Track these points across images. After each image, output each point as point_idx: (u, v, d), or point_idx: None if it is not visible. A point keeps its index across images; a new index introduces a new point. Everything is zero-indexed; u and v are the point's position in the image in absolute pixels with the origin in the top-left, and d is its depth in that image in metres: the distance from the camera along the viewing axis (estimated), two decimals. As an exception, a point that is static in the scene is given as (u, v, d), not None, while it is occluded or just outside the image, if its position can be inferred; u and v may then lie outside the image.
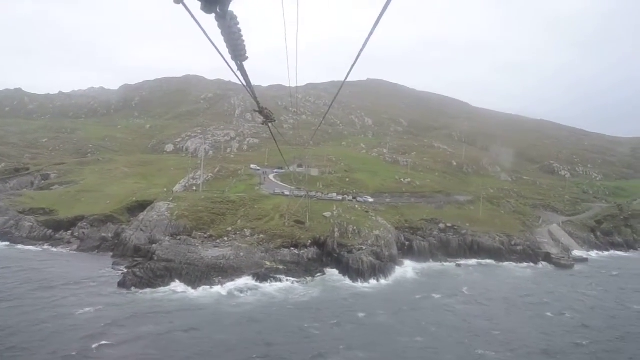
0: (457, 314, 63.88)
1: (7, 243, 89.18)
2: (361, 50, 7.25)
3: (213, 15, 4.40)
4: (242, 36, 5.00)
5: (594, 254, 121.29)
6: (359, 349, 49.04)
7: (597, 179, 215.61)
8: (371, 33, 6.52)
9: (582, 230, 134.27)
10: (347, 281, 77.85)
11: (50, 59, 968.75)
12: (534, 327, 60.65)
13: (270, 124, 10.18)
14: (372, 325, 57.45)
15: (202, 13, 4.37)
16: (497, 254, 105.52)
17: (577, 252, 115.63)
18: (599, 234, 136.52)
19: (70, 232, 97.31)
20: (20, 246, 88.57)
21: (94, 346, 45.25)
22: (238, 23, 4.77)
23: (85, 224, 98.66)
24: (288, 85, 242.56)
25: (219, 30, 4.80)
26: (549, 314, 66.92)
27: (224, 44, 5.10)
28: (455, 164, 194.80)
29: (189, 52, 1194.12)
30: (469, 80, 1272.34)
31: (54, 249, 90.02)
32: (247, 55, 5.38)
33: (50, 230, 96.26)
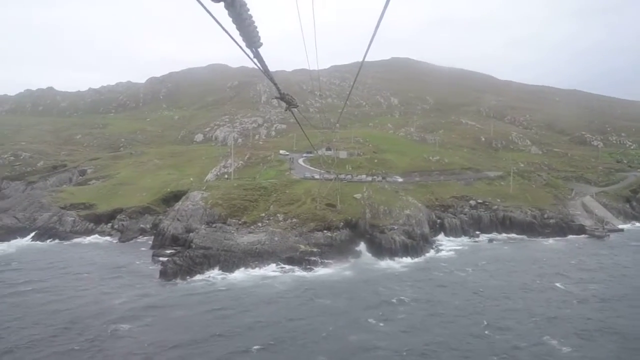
0: (491, 290, 64.56)
1: (53, 240, 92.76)
2: (376, 28, 7.19)
3: (222, 3, 4.42)
4: (254, 22, 4.96)
5: (630, 224, 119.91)
6: (393, 329, 50.36)
7: (631, 147, 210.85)
8: (384, 11, 6.48)
9: (616, 201, 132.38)
10: (380, 261, 79.31)
11: (77, 58, 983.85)
12: (568, 300, 61.14)
13: (294, 109, 9.93)
14: (405, 304, 58.67)
15: (212, 3, 4.38)
16: (530, 228, 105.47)
17: (613, 223, 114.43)
18: (634, 203, 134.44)
19: (110, 224, 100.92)
20: (65, 242, 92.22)
21: (136, 329, 47.82)
22: (248, 9, 4.73)
23: (123, 216, 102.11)
24: (312, 69, 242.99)
25: (231, 19, 4.76)
26: (582, 286, 67.17)
27: (238, 32, 5.05)
28: (483, 139, 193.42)
29: (211, 42, 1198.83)
30: (483, 56, 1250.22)
31: (96, 241, 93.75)
32: (261, 41, 5.31)
33: (91, 224, 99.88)
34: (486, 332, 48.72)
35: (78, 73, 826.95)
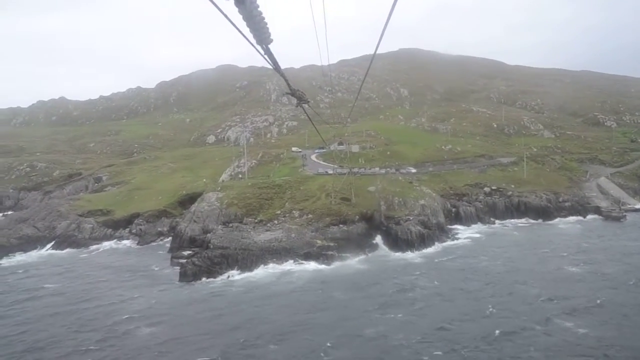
0: (506, 275, 64.79)
1: (72, 247, 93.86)
2: (386, 23, 7.27)
3: (232, 1, 4.50)
4: (264, 19, 5.01)
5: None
6: (410, 319, 50.85)
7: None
8: (394, 5, 6.60)
9: (632, 181, 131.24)
10: (397, 252, 79.70)
11: (87, 66, 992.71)
12: (584, 282, 61.21)
13: (305, 105, 10.04)
14: (421, 294, 59.11)
15: (222, 0, 4.50)
16: (545, 212, 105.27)
17: (629, 203, 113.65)
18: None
19: (128, 229, 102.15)
20: (84, 248, 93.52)
21: (156, 330, 48.83)
22: (258, 6, 4.80)
23: (141, 220, 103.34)
24: (320, 65, 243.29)
25: (241, 16, 4.86)
26: (597, 268, 67.09)
27: (248, 29, 5.14)
28: (495, 125, 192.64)
29: (219, 43, 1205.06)
30: (486, 41, 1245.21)
31: (115, 246, 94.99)
32: (271, 37, 5.38)
33: (110, 230, 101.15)
34: (507, 321, 48.90)
35: (88, 81, 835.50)
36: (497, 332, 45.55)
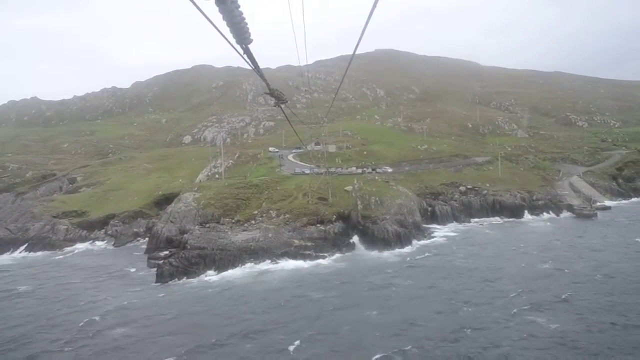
0: (479, 273, 65.73)
1: (46, 249, 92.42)
2: (366, 24, 7.23)
3: (212, 0, 4.46)
4: (244, 19, 4.97)
5: (616, 201, 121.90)
6: (385, 318, 51.41)
7: (616, 126, 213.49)
8: (373, 8, 6.50)
9: (603, 179, 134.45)
10: (373, 251, 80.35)
11: (60, 66, 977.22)
12: (554, 278, 62.53)
13: (283, 105, 10.08)
14: (396, 292, 59.71)
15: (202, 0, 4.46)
16: (519, 210, 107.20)
17: (600, 201, 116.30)
18: (620, 181, 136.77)
19: (103, 230, 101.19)
20: (59, 250, 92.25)
21: (131, 331, 48.60)
22: (239, 6, 4.77)
23: (116, 221, 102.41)
24: (297, 65, 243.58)
25: (221, 16, 4.80)
26: (568, 265, 68.52)
27: (228, 29, 5.09)
28: (470, 125, 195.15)
29: (195, 44, 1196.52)
30: (461, 45, 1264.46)
31: (91, 248, 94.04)
32: (251, 38, 5.36)
33: (85, 231, 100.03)
34: (478, 316, 49.79)
35: (61, 81, 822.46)
36: (467, 327, 46.34)
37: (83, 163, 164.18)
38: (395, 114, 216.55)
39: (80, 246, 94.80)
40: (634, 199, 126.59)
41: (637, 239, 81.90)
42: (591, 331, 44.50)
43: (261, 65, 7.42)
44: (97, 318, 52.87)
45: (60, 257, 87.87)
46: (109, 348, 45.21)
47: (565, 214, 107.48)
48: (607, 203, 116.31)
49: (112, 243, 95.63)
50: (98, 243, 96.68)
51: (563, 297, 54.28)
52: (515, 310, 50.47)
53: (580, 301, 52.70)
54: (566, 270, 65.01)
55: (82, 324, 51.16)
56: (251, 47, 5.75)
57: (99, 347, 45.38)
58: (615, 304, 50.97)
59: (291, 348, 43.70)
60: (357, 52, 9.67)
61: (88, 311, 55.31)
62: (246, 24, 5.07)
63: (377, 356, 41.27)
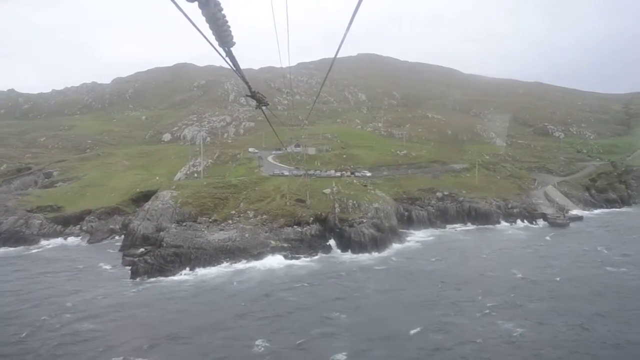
0: (452, 278, 66.61)
1: (19, 244, 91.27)
2: (348, 27, 7.21)
3: (196, 3, 4.44)
4: (227, 22, 4.96)
5: (589, 211, 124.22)
6: (356, 321, 52.00)
7: (591, 137, 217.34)
8: (356, 10, 6.48)
9: (577, 190, 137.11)
10: (349, 254, 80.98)
11: (39, 59, 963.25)
12: (523, 285, 63.75)
13: (264, 107, 10.07)
14: (368, 296, 60.46)
15: (186, 2, 4.46)
16: (494, 218, 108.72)
17: (573, 211, 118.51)
18: (593, 191, 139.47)
19: (78, 226, 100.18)
20: (32, 245, 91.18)
21: (103, 328, 48.51)
22: (222, 9, 4.74)
23: (92, 217, 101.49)
24: (279, 66, 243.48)
25: (204, 18, 4.77)
26: (538, 272, 69.81)
27: (210, 31, 5.06)
28: (450, 132, 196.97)
29: (178, 42, 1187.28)
30: (441, 52, 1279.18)
31: (65, 243, 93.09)
32: (234, 40, 5.34)
33: (60, 226, 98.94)
34: (444, 319, 50.72)
35: (39, 75, 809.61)
36: (435, 329, 47.33)
37: (60, 158, 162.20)
38: (375, 119, 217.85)
39: (54, 241, 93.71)
40: (606, 210, 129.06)
41: (602, 249, 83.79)
42: (556, 336, 45.74)
43: (243, 66, 7.45)
44: (66, 315, 52.59)
45: (33, 251, 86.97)
46: (74, 341, 45.35)
47: (539, 223, 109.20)
48: (580, 213, 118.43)
49: (87, 239, 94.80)
50: (73, 239, 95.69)
51: (525, 302, 55.70)
52: (478, 314, 51.74)
53: (538, 304, 54.65)
54: (532, 278, 66.21)
55: (50, 320, 50.88)
56: (233, 49, 5.73)
57: (63, 340, 45.52)
58: (571, 310, 52.68)
59: (256, 343, 44.45)
60: (339, 56, 9.79)
61: (57, 307, 54.89)
62: (229, 27, 5.07)
63: (341, 354, 41.91)
